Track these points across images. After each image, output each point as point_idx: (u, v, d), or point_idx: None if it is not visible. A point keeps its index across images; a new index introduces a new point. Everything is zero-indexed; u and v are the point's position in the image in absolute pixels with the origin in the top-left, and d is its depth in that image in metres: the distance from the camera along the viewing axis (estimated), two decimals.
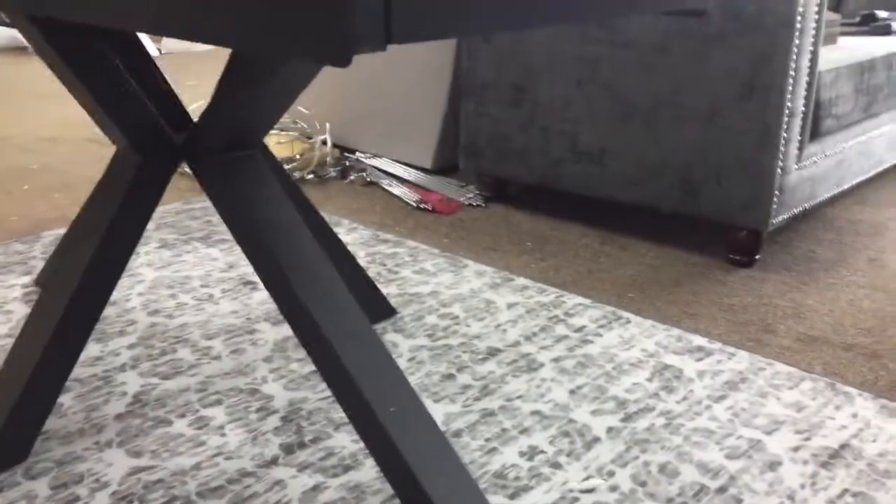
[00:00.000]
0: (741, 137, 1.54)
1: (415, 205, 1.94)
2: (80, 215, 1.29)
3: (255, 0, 0.56)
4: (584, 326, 1.36)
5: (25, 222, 1.77)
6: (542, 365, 1.23)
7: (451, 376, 1.20)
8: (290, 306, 0.94)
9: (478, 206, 1.96)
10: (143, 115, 0.98)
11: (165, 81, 1.13)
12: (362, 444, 1.03)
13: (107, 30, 1.06)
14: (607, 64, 1.67)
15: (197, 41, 0.62)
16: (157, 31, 0.65)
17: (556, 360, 1.25)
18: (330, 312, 0.94)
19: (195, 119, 1.05)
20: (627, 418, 1.10)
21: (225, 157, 1.00)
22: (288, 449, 1.02)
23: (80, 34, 0.92)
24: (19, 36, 3.91)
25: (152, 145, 1.01)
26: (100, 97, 0.94)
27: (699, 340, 1.32)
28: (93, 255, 0.97)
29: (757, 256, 1.63)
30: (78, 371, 1.18)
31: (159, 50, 3.98)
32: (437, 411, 1.10)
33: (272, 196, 0.99)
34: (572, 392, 1.16)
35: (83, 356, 1.22)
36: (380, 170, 2.17)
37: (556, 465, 1.00)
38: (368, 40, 0.53)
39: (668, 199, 1.65)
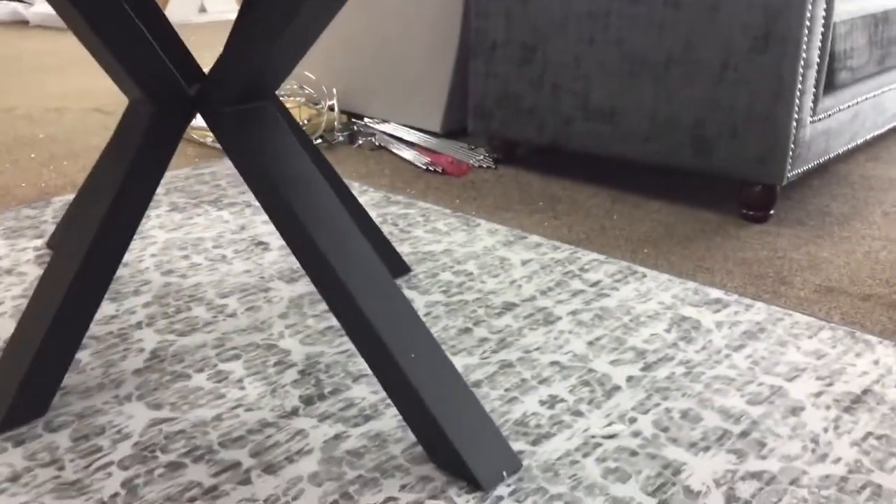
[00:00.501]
0: (755, 91, 1.52)
1: (424, 167, 1.93)
2: (94, 170, 1.28)
3: None
4: (599, 281, 1.35)
5: (34, 189, 1.77)
6: (558, 318, 1.23)
7: (467, 330, 1.19)
8: (309, 255, 0.94)
9: (488, 167, 1.95)
10: (157, 65, 0.97)
11: (176, 35, 1.11)
12: (382, 396, 1.03)
13: None
14: (618, 20, 1.65)
15: None
16: None
17: (572, 313, 1.24)
18: (349, 261, 0.94)
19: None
20: (647, 367, 1.10)
21: (238, 108, 0.99)
22: (308, 400, 1.02)
23: None
24: (20, 9, 3.88)
25: (166, 95, 1.00)
26: (113, 46, 0.93)
27: (716, 293, 1.31)
28: (109, 207, 0.96)
29: (771, 211, 1.62)
30: (94, 329, 1.17)
31: None
32: (456, 364, 1.10)
33: (287, 146, 0.98)
34: (590, 343, 1.16)
35: (99, 315, 1.22)
36: (388, 134, 2.15)
37: (578, 413, 1.00)
38: None
39: (681, 155, 1.64)
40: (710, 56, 1.55)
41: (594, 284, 1.34)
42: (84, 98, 2.55)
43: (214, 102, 0.99)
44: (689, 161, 1.63)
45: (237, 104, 0.99)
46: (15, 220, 1.57)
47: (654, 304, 1.27)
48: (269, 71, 0.98)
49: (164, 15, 1.11)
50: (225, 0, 4.32)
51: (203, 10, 4.25)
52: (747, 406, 1.01)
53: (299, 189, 0.96)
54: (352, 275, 0.93)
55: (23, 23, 3.90)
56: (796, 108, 1.50)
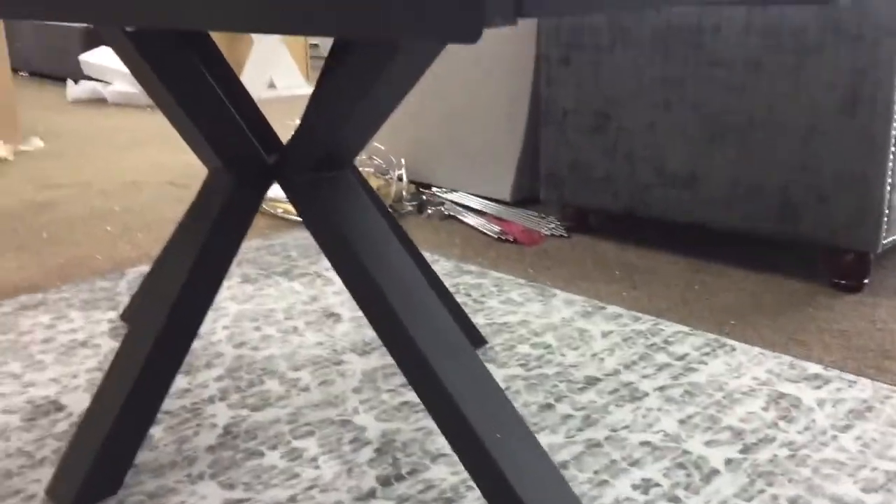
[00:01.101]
0: (844, 153, 1.45)
1: (496, 236, 1.90)
2: (171, 239, 1.28)
3: None
4: (686, 354, 1.28)
5: (108, 261, 1.78)
6: (645, 394, 1.16)
7: (549, 406, 1.13)
8: (387, 325, 0.90)
9: (560, 236, 1.90)
10: (237, 134, 0.96)
11: (253, 103, 1.11)
12: (463, 477, 0.97)
13: (200, 48, 1.05)
14: (694, 84, 1.61)
15: (303, 33, 0.59)
16: (260, 28, 0.62)
17: (660, 388, 1.17)
18: (429, 331, 0.90)
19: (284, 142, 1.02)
20: (746, 449, 1.02)
21: (316, 175, 0.97)
22: (385, 481, 0.96)
23: (174, 49, 0.91)
24: (99, 88, 4.03)
25: (245, 164, 0.99)
26: (194, 114, 0.92)
27: (814, 368, 1.23)
28: (187, 278, 0.94)
29: (866, 280, 1.53)
30: (167, 403, 1.15)
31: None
32: (539, 442, 1.04)
33: (365, 212, 0.96)
34: (682, 422, 1.08)
35: (171, 388, 1.19)
36: (457, 203, 2.13)
37: (675, 499, 0.92)
38: (498, 12, 0.49)
39: (766, 222, 1.57)
40: (795, 118, 1.50)
41: (681, 358, 1.27)
42: (158, 172, 2.60)
43: (292, 171, 0.98)
44: (774, 228, 1.56)
45: (315, 173, 0.97)
46: (90, 292, 1.58)
47: (748, 380, 1.19)
48: (346, 140, 0.97)
49: (241, 83, 1.12)
50: (292, 75, 4.43)
51: (272, 85, 4.37)
52: (862, 494, 0.92)
53: (377, 256, 0.93)
54: (432, 346, 0.88)
55: (101, 101, 4.05)
56: (889, 171, 1.43)
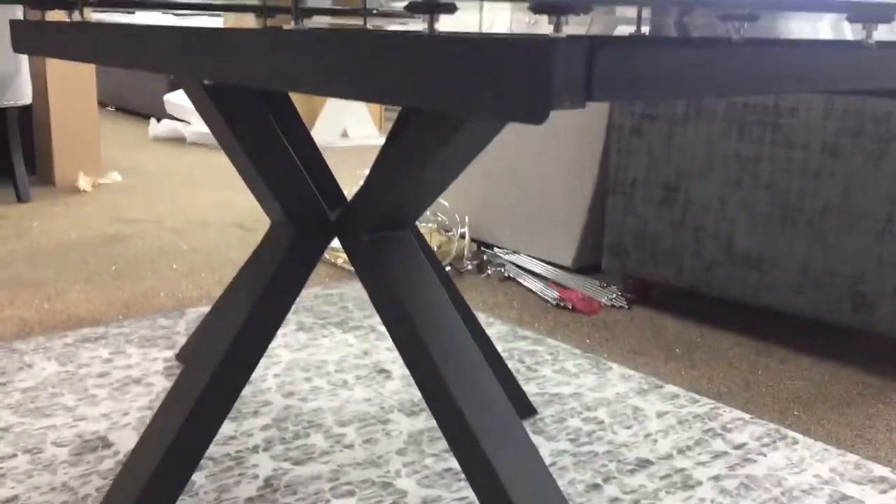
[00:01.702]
0: None
1: (554, 302, 1.87)
2: (230, 286, 1.29)
3: (450, 57, 0.52)
4: (744, 444, 1.23)
5: (171, 299, 1.81)
6: (699, 483, 1.11)
7: (597, 486, 1.09)
8: (435, 392, 0.88)
9: (620, 307, 1.87)
10: (302, 189, 0.97)
11: (322, 159, 1.12)
12: None
13: (274, 102, 1.07)
14: (769, 164, 1.58)
15: (388, 102, 0.59)
16: (337, 94, 0.63)
17: (715, 478, 1.13)
18: (477, 401, 0.88)
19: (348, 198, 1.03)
20: None
21: (376, 235, 0.97)
22: None
23: (249, 103, 0.93)
24: (179, 127, 4.17)
25: (308, 219, 1.00)
26: (262, 167, 0.94)
27: (881, 470, 1.16)
28: (241, 326, 0.95)
29: None
30: (212, 449, 1.15)
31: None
32: None
33: (422, 277, 0.95)
34: None
35: (217, 434, 1.19)
36: (518, 265, 2.12)
37: None
38: (568, 96, 0.48)
39: (837, 311, 1.51)
40: (873, 207, 1.45)
41: (739, 447, 1.22)
42: (228, 213, 2.65)
43: (353, 229, 0.98)
44: (847, 317, 1.51)
45: (375, 232, 0.97)
46: (149, 329, 1.61)
47: (809, 477, 1.14)
48: (409, 202, 0.97)
49: (311, 139, 1.13)
50: (366, 126, 4.51)
51: (345, 134, 4.45)
52: None
53: (431, 322, 0.92)
54: (479, 416, 0.87)
55: (180, 140, 4.18)
56: None
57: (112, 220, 2.49)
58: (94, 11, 0.99)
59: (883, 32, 0.72)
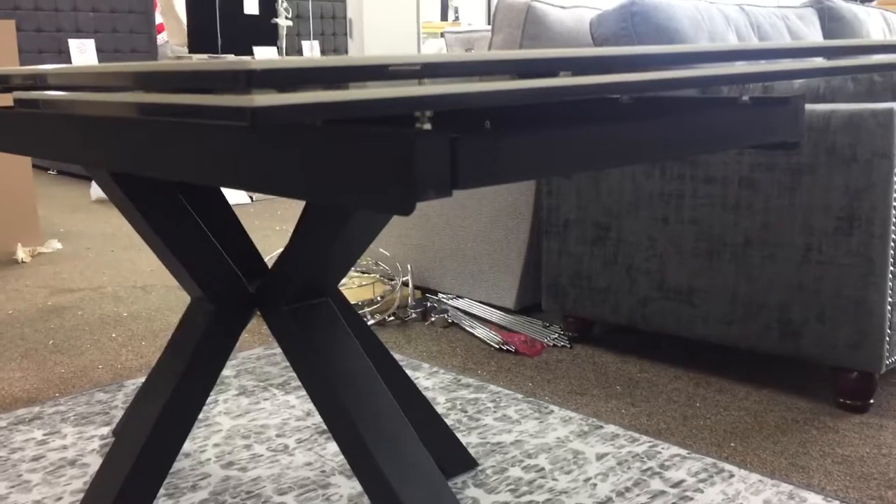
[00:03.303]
0: (843, 274, 1.44)
1: (497, 346, 1.88)
2: (156, 365, 1.28)
3: (323, 153, 0.54)
4: (682, 481, 1.24)
5: (109, 371, 1.79)
6: None
7: None
8: (361, 462, 0.89)
9: (563, 346, 1.89)
10: (218, 266, 0.97)
11: (241, 228, 1.13)
12: None
13: (184, 182, 1.07)
14: (692, 200, 1.62)
15: (269, 193, 0.60)
16: (233, 185, 0.64)
17: None
18: (403, 470, 0.88)
19: (270, 266, 1.04)
20: None
21: (297, 306, 0.97)
22: None
23: (158, 187, 0.93)
24: None
25: (226, 294, 1.00)
26: (175, 249, 0.94)
27: (814, 498, 1.19)
28: (165, 405, 0.94)
29: (871, 401, 1.49)
30: None
31: (251, 197, 4.14)
32: None
33: (343, 346, 0.96)
34: None
35: None
36: (461, 310, 2.13)
37: None
38: (433, 187, 0.50)
39: (766, 339, 1.55)
40: (792, 237, 1.49)
41: (676, 485, 1.23)
42: (168, 276, 2.63)
43: (274, 300, 0.98)
44: (776, 345, 1.54)
45: (297, 301, 0.97)
46: (87, 406, 1.58)
47: None
48: (328, 269, 0.97)
49: (228, 207, 1.14)
50: None
51: None
52: None
53: (353, 390, 0.93)
54: (404, 481, 0.87)
55: None
56: (890, 291, 1.41)
57: (51, 292, 2.45)
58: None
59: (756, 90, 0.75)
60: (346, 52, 7.07)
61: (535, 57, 0.50)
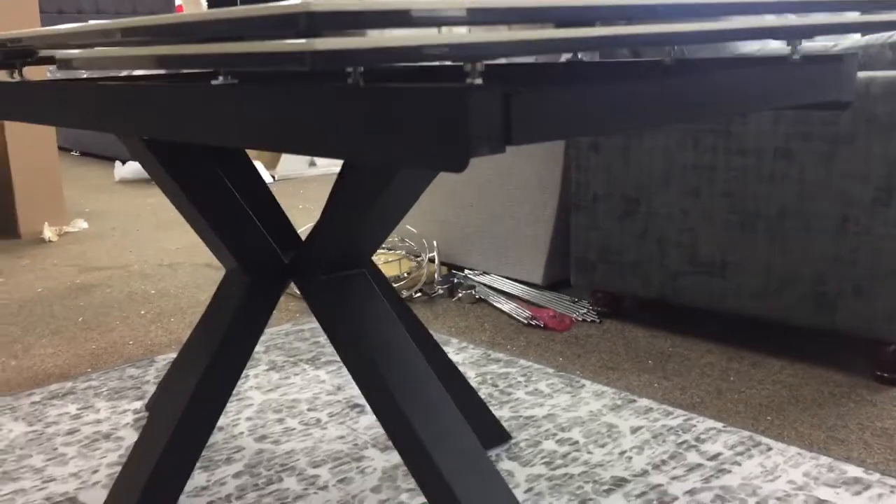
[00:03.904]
0: (880, 245, 1.41)
1: (525, 322, 1.87)
2: (190, 338, 1.28)
3: (368, 110, 0.52)
4: (719, 454, 1.23)
5: (140, 347, 1.80)
6: (675, 498, 1.11)
7: None
8: (399, 431, 0.88)
9: (592, 321, 1.87)
10: (253, 237, 0.97)
11: (275, 201, 1.12)
12: None
13: (220, 152, 1.07)
14: (725, 172, 1.59)
15: (312, 154, 0.59)
16: (272, 147, 0.63)
17: (690, 492, 1.13)
18: (441, 438, 0.87)
19: (303, 239, 1.03)
20: None
21: (332, 276, 0.96)
22: None
23: (194, 156, 0.92)
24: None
25: (261, 266, 0.99)
26: (211, 220, 0.93)
27: (854, 471, 1.17)
28: (200, 379, 0.94)
29: None
30: (185, 501, 1.14)
31: (273, 176, 4.14)
32: None
33: (380, 315, 0.95)
34: None
35: (189, 486, 1.18)
36: (489, 286, 2.12)
37: None
38: (487, 143, 0.49)
39: (801, 312, 1.53)
40: (828, 209, 1.47)
41: (713, 458, 1.22)
42: (196, 253, 2.64)
43: (309, 271, 0.98)
44: (810, 318, 1.52)
45: (331, 272, 0.97)
46: (119, 381, 1.59)
47: (783, 484, 1.14)
48: (363, 239, 0.97)
49: (260, 179, 1.13)
50: None
51: (313, 163, 4.45)
52: None
53: (390, 359, 0.92)
54: (443, 451, 0.86)
55: (146, 181, 4.16)
56: None
57: (79, 270, 2.47)
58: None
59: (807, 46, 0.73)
60: None
61: (592, 4, 0.49)
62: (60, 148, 5.41)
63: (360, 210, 0.86)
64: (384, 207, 0.85)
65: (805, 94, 0.69)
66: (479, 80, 0.50)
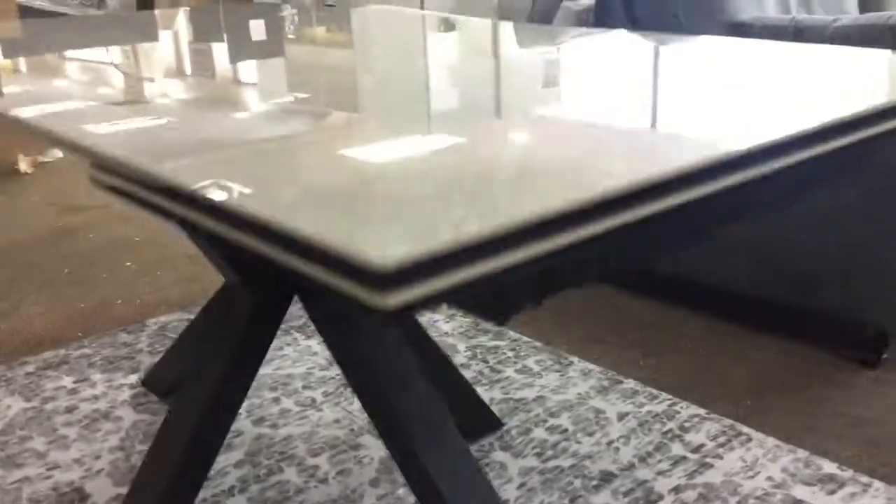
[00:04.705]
0: (860, 230, 1.44)
1: None
2: (197, 358, 1.29)
3: None
4: (702, 445, 1.29)
5: (129, 307, 1.80)
6: (660, 497, 1.17)
7: None
8: (405, 458, 0.91)
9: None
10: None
11: None
12: None
13: None
14: None
15: None
16: None
17: (675, 490, 1.18)
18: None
19: None
20: None
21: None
22: None
23: None
24: None
25: (267, 282, 1.00)
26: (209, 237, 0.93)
27: (829, 467, 1.23)
28: (206, 405, 0.96)
29: (885, 356, 1.52)
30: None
31: None
32: None
33: (387, 342, 0.97)
34: None
35: None
36: None
37: None
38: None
39: (785, 291, 1.56)
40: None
41: (696, 450, 1.28)
42: None
43: (314, 289, 0.98)
44: (793, 298, 1.56)
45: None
46: (112, 348, 1.60)
47: (762, 481, 1.20)
48: None
49: None
50: None
51: None
52: None
53: (397, 384, 0.94)
54: (432, 455, 0.90)
55: None
56: None
57: (58, 211, 2.43)
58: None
59: None
60: None
61: None
62: None
63: None
64: None
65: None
66: None
